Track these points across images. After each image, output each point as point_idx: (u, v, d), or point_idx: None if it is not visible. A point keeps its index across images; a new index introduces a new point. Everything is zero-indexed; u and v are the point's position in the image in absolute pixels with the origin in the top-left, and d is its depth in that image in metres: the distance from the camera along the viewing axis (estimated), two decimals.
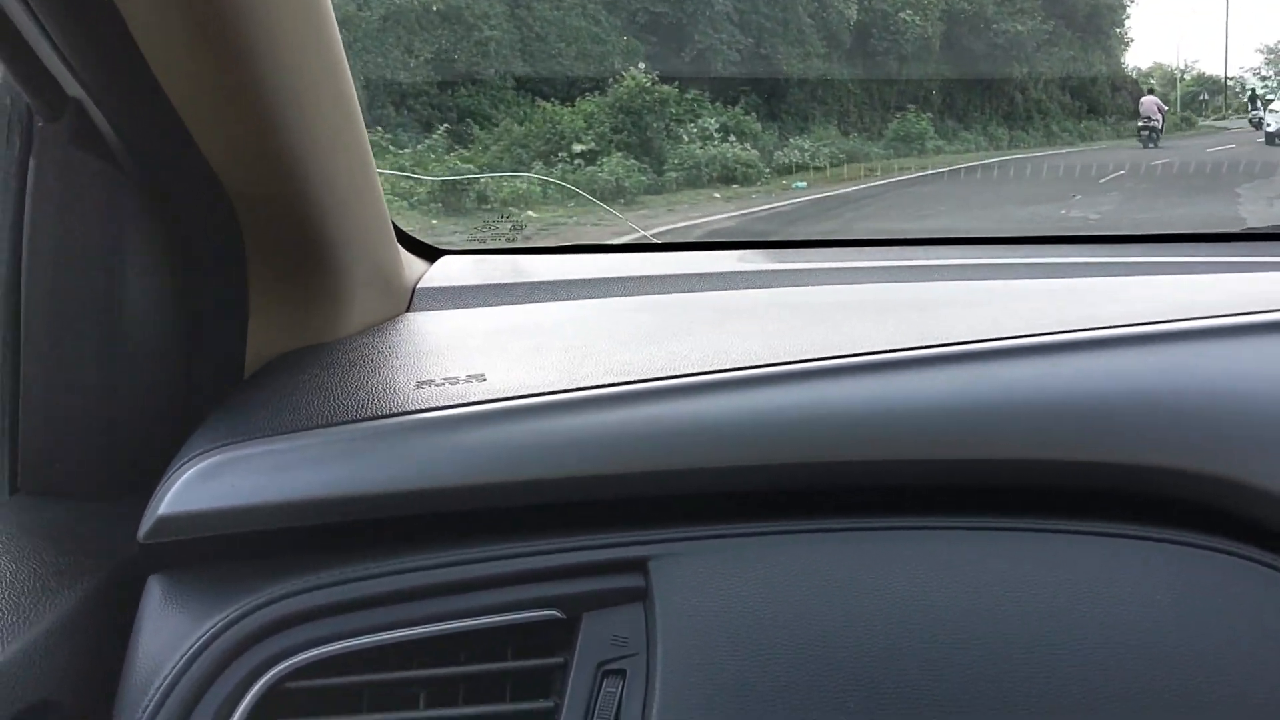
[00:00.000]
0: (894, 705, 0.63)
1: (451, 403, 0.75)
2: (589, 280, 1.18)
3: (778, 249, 1.58)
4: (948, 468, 0.71)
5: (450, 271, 1.21)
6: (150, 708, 0.64)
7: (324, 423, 0.74)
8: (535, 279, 1.21)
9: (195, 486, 0.70)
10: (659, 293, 1.14)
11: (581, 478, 0.71)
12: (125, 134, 0.77)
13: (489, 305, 1.11)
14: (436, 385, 0.80)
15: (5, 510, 0.80)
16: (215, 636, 0.66)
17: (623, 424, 0.73)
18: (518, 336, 0.96)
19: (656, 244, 1.74)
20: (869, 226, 9.52)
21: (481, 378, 0.80)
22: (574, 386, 0.76)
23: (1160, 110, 17.99)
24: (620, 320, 1.03)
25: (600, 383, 0.77)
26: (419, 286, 1.13)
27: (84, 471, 0.82)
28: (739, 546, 0.69)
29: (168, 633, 0.67)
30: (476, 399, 0.75)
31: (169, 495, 0.69)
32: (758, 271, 1.29)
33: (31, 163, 0.77)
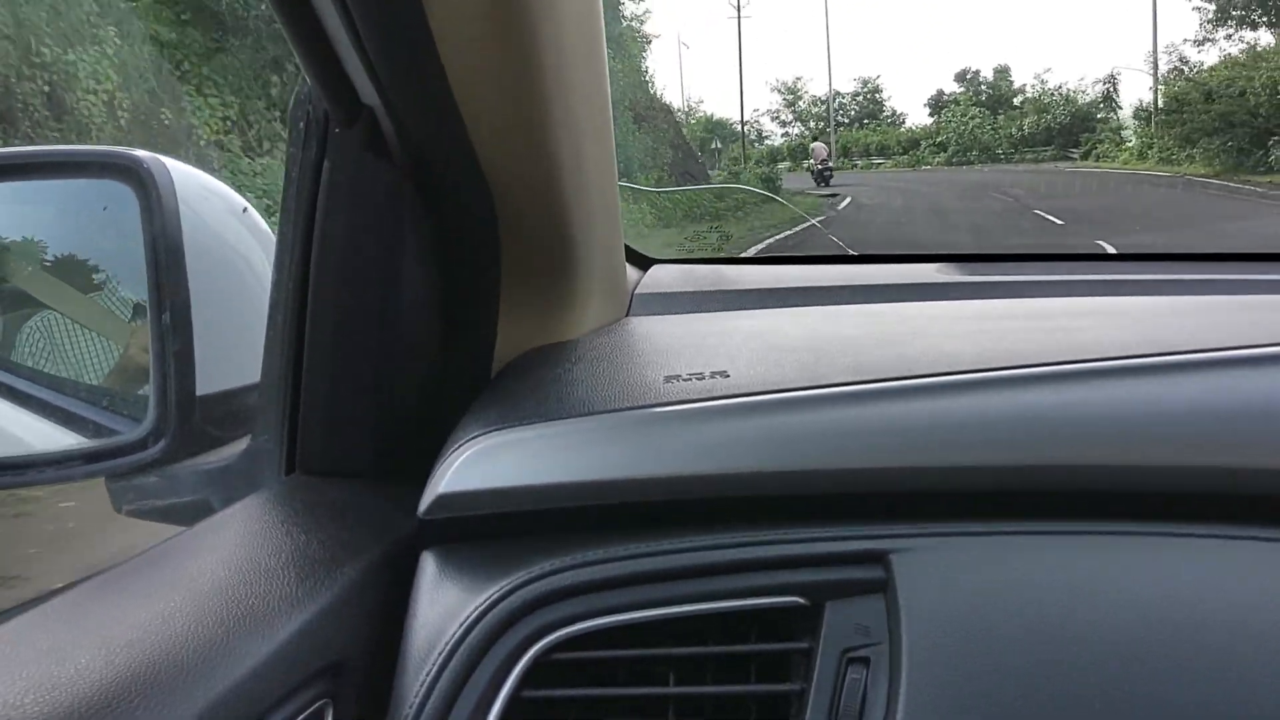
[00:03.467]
0: (1138, 713, 0.62)
1: (701, 396, 0.79)
2: (796, 289, 1.23)
3: (977, 262, 1.50)
4: (1199, 474, 0.70)
5: (662, 279, 1.29)
6: (433, 671, 0.69)
7: (586, 411, 0.79)
8: (743, 287, 1.26)
9: (471, 467, 0.75)
10: (865, 302, 1.18)
11: (825, 471, 0.73)
12: (411, 138, 0.83)
13: (701, 311, 1.16)
14: (684, 380, 0.84)
15: (284, 488, 0.88)
16: (490, 609, 0.70)
17: (865, 420, 0.75)
18: (750, 338, 1.00)
19: (852, 255, 1.79)
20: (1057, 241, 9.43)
21: (725, 374, 0.84)
22: (815, 384, 0.79)
23: (829, 153, 19.53)
24: (844, 325, 1.06)
25: (840, 380, 0.79)
26: (636, 292, 1.20)
27: (355, 455, 0.89)
28: (980, 544, 0.70)
29: (444, 604, 0.72)
30: (724, 393, 0.79)
31: (448, 475, 0.75)
32: (961, 283, 1.31)
33: (325, 165, 0.84)
